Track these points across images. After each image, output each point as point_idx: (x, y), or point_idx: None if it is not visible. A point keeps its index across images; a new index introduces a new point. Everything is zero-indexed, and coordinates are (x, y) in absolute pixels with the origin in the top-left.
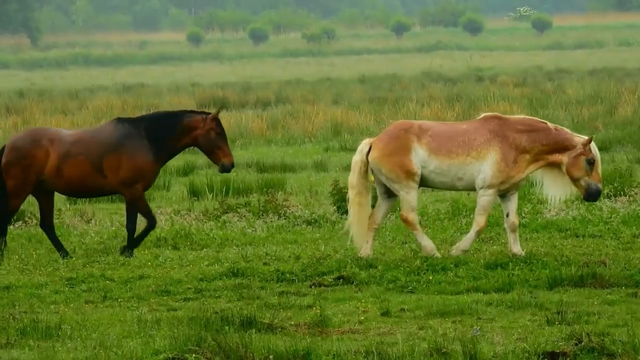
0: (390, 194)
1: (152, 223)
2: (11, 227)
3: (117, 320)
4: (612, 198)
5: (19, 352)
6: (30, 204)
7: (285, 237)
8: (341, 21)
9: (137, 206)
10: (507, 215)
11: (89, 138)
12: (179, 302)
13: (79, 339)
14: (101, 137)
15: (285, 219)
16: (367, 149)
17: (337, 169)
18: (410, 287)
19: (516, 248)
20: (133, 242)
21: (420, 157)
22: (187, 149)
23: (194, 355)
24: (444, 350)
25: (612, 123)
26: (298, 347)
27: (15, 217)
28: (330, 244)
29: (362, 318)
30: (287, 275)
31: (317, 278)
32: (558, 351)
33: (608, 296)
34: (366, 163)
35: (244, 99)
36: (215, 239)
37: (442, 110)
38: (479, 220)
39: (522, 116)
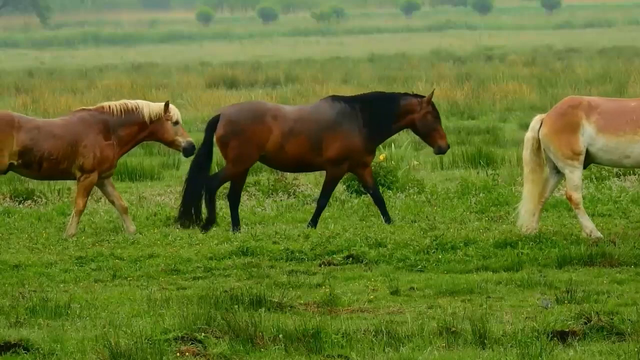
0: (559, 170)
1: (323, 203)
2: (20, 205)
3: (127, 299)
4: (622, 177)
5: (28, 331)
6: (40, 183)
7: (295, 215)
8: (351, 0)
9: (334, 184)
10: None
11: (308, 116)
12: (188, 280)
13: (88, 317)
14: (319, 115)
15: (294, 197)
16: (538, 125)
17: None
18: (419, 266)
19: None
20: (317, 218)
21: (587, 135)
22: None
23: (203, 334)
24: (454, 329)
25: None
26: (307, 326)
27: (24, 196)
28: (340, 222)
29: (372, 297)
30: (297, 254)
31: (326, 257)
32: (567, 330)
33: (617, 275)
34: (537, 139)
35: (253, 78)
36: (225, 217)
37: (452, 89)
38: None
39: None
